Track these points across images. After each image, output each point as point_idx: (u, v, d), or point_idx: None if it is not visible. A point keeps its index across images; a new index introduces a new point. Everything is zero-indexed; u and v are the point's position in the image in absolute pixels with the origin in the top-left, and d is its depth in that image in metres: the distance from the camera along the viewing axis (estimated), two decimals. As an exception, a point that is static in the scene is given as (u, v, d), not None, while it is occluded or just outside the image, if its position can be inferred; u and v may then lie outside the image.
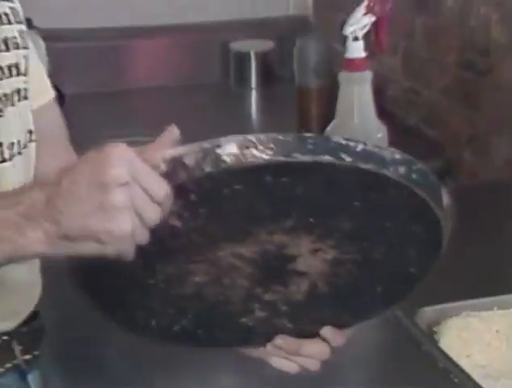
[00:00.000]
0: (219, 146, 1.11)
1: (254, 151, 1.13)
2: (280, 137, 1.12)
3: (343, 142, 1.10)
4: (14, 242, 1.21)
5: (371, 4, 2.05)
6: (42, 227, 1.18)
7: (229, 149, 1.13)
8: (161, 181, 1.13)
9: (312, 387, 1.58)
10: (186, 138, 2.25)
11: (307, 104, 2.65)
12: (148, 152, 1.17)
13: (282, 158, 1.11)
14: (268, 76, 3.03)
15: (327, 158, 1.10)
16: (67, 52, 2.44)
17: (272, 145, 1.12)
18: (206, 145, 1.12)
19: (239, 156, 1.13)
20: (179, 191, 1.13)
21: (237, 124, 2.85)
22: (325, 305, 1.31)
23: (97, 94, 2.83)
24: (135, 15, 3.12)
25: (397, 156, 1.10)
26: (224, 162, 1.12)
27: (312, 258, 1.22)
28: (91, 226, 1.14)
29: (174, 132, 1.17)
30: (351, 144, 1.10)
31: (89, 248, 1.16)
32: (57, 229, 1.17)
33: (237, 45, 3.09)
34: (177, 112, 2.87)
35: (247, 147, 1.13)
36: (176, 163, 1.13)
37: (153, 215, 1.14)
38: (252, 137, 1.13)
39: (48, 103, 1.65)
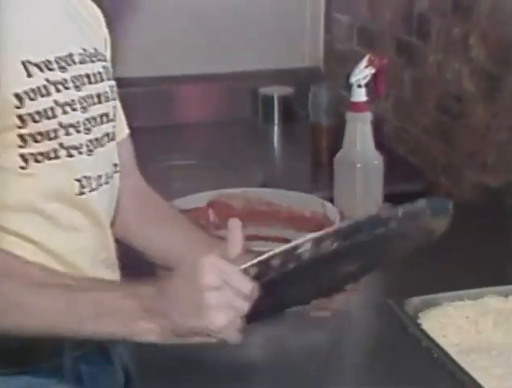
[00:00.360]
0: (297, 247, 1.17)
1: (326, 243, 1.18)
2: (342, 227, 1.23)
3: (387, 216, 1.21)
4: (127, 326, 1.22)
5: (371, 59, 2.05)
6: (156, 321, 1.20)
7: (306, 247, 1.17)
8: (247, 280, 1.16)
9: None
10: (224, 163, 2.23)
11: (319, 137, 2.67)
12: (232, 249, 1.23)
13: (347, 243, 1.18)
14: (288, 115, 3.03)
15: (380, 230, 1.21)
16: (133, 95, 2.45)
17: (336, 236, 1.19)
18: (287, 248, 1.18)
19: (314, 250, 1.17)
20: (266, 283, 1.18)
21: (263, 153, 2.87)
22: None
23: (154, 127, 2.85)
24: (185, 66, 3.13)
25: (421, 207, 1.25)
26: (301, 257, 1.16)
27: None
28: (194, 324, 1.17)
29: (237, 225, 1.23)
30: (393, 213, 1.22)
31: (195, 339, 1.20)
32: (168, 324, 1.19)
33: (263, 90, 3.09)
34: (216, 143, 2.93)
35: (319, 242, 1.19)
36: (262, 266, 1.18)
37: (244, 307, 1.17)
38: (321, 233, 1.20)
39: (126, 137, 1.65)
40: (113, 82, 1.54)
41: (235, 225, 1.28)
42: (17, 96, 1.30)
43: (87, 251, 1.43)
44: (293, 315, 1.53)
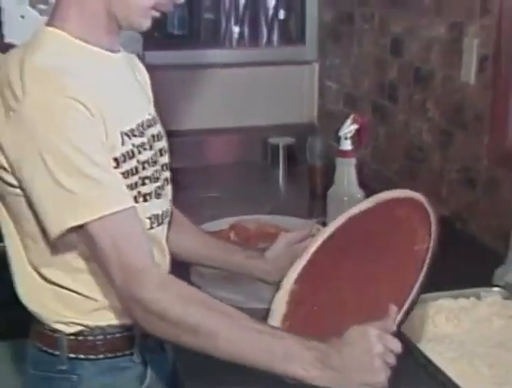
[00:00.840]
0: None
1: None
2: None
3: None
4: (307, 371, 1.19)
5: (355, 117, 2.05)
6: (328, 372, 1.19)
7: None
8: (398, 342, 1.22)
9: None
10: (241, 196, 2.13)
11: (315, 177, 2.66)
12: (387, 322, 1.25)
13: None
14: (291, 159, 3.01)
15: None
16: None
17: None
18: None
19: None
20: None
21: (271, 189, 2.87)
22: None
23: (190, 168, 2.85)
24: (212, 121, 3.18)
25: None
26: None
27: None
28: (369, 380, 1.19)
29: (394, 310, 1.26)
30: None
31: None
32: (339, 377, 1.19)
33: (272, 140, 3.08)
34: (235, 180, 2.94)
35: None
36: (405, 315, 1.27)
37: (394, 361, 1.21)
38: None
39: None
40: (165, 137, 1.52)
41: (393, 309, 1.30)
42: (115, 160, 1.30)
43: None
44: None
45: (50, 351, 1.40)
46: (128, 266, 1.22)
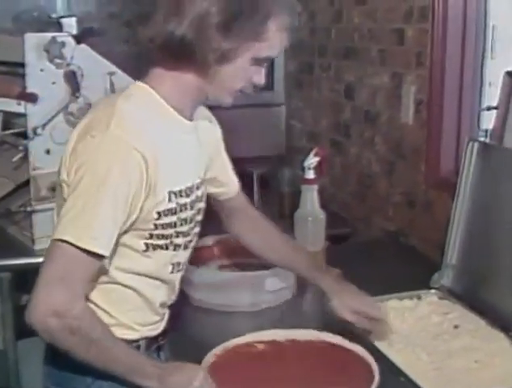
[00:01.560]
0: None
1: None
2: None
3: None
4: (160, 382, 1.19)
5: (317, 151, 2.01)
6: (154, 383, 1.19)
7: None
8: None
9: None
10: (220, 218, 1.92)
11: (284, 201, 2.67)
12: None
13: None
14: (264, 186, 2.90)
15: None
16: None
17: None
18: None
19: None
20: None
21: None
22: None
23: None
24: None
25: None
26: None
27: None
28: None
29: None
30: None
31: None
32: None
33: (248, 169, 2.85)
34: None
35: None
36: None
37: None
38: None
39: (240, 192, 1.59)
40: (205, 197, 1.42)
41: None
42: (158, 213, 1.25)
43: (163, 298, 1.38)
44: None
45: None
46: (65, 290, 1.15)
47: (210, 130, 1.44)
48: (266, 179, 3.01)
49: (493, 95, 2.00)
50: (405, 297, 1.78)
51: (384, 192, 2.50)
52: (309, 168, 2.01)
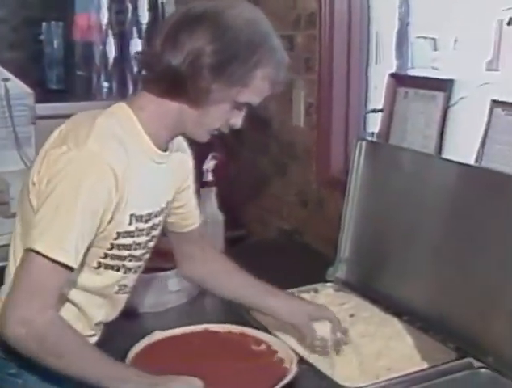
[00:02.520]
0: None
1: None
2: None
3: None
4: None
5: (214, 155, 2.09)
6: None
7: None
8: None
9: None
10: None
11: None
12: None
13: None
14: None
15: None
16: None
17: None
18: None
19: None
20: None
21: None
22: None
23: None
24: None
25: None
26: None
27: None
28: None
29: None
30: None
31: None
32: None
33: None
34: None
35: None
36: None
37: None
38: None
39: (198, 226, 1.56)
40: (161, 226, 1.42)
41: None
42: (117, 233, 1.27)
43: (102, 317, 1.39)
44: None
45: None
46: (35, 299, 1.17)
47: (183, 162, 1.46)
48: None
49: (378, 98, 2.11)
50: (303, 291, 1.84)
51: (279, 193, 2.56)
52: (207, 171, 2.08)
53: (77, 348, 1.21)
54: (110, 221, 1.24)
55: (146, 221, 1.32)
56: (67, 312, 1.30)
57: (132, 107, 1.30)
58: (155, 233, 1.39)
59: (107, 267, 1.31)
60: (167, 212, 1.42)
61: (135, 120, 1.28)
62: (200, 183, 2.06)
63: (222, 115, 1.28)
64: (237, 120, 1.31)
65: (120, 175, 1.21)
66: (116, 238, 1.28)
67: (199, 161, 2.08)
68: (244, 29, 1.22)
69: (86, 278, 1.30)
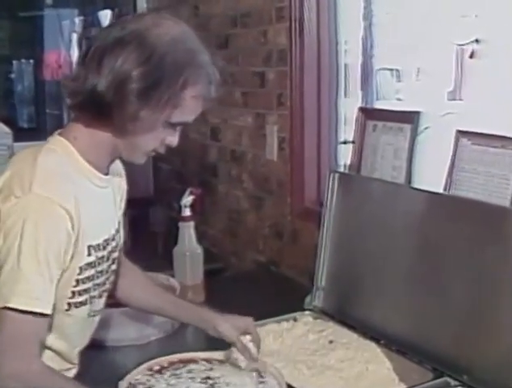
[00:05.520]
0: None
1: None
2: None
3: None
4: None
5: (191, 190, 2.09)
6: None
7: None
8: None
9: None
10: None
11: (157, 239, 2.75)
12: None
13: None
14: (134, 227, 2.59)
15: None
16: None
17: None
18: None
19: None
20: None
21: None
22: None
23: None
24: None
25: None
26: None
27: None
28: None
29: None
30: None
31: None
32: None
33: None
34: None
35: None
36: None
37: None
38: None
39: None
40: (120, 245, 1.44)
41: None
42: (80, 268, 1.27)
43: (80, 343, 1.41)
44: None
45: None
46: (19, 353, 1.18)
47: (121, 183, 1.47)
48: (135, 221, 3.00)
49: (348, 131, 2.19)
50: (283, 320, 1.88)
51: (254, 226, 2.60)
52: (185, 206, 2.10)
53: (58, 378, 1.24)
54: (71, 259, 1.24)
55: (104, 248, 1.33)
56: (48, 356, 1.31)
57: (67, 138, 1.28)
58: (115, 255, 1.40)
59: (77, 305, 1.31)
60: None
61: (73, 150, 1.27)
62: (179, 217, 2.11)
63: (155, 137, 1.26)
64: (173, 139, 1.28)
65: (73, 211, 1.20)
66: (79, 273, 1.28)
67: (177, 196, 2.16)
68: (169, 50, 1.19)
69: (58, 323, 1.30)
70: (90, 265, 1.29)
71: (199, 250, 2.11)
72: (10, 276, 1.17)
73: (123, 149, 1.29)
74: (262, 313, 1.84)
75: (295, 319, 1.91)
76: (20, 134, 3.43)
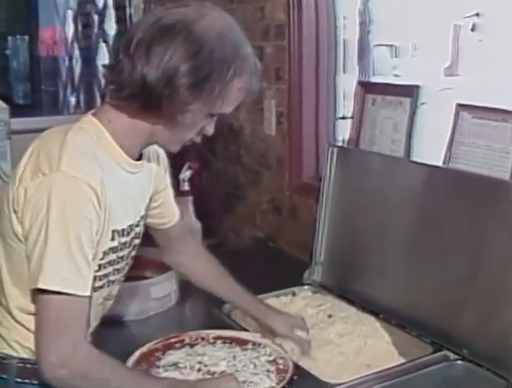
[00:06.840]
0: None
1: None
2: None
3: None
4: None
5: (190, 165, 2.13)
6: None
7: None
8: None
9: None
10: None
11: None
12: None
13: None
14: None
15: None
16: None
17: None
18: None
19: None
20: None
21: None
22: None
23: None
24: None
25: None
26: None
27: None
28: None
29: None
30: None
31: None
32: None
33: None
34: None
35: None
36: None
37: None
38: None
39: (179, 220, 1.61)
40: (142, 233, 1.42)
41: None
42: (104, 252, 1.26)
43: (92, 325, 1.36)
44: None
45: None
46: (63, 338, 1.18)
47: (158, 164, 1.45)
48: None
49: (347, 106, 2.17)
50: (281, 295, 1.90)
51: (252, 202, 2.59)
52: (184, 180, 2.13)
53: (117, 371, 1.25)
54: (97, 243, 1.23)
55: (128, 234, 1.32)
56: None
57: (100, 120, 1.27)
58: (136, 242, 1.39)
59: (95, 289, 1.28)
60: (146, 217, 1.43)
61: (106, 133, 1.26)
62: (177, 192, 2.09)
63: (196, 126, 1.27)
64: (210, 128, 1.30)
65: (99, 191, 1.19)
66: (102, 258, 1.26)
67: (176, 170, 2.15)
68: (217, 43, 1.19)
69: None
70: (112, 250, 1.28)
71: (197, 225, 2.14)
72: (46, 259, 1.16)
73: (160, 138, 1.28)
74: (261, 288, 1.84)
75: (293, 294, 1.92)
76: (16, 111, 3.42)
